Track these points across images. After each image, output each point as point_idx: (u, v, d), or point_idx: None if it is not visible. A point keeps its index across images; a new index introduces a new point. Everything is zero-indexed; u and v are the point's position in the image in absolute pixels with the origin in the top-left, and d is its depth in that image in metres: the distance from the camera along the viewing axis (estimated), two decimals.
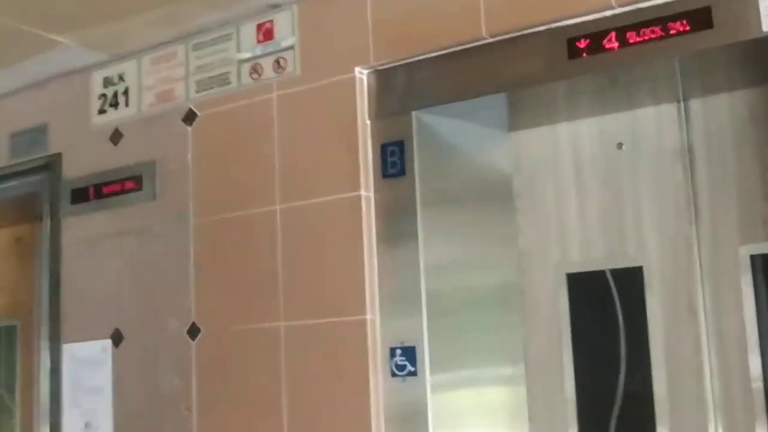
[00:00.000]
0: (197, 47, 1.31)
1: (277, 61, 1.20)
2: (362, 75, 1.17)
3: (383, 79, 1.17)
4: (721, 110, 1.15)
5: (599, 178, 1.19)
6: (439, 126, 1.17)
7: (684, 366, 1.16)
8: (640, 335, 1.18)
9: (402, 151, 1.15)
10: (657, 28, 0.98)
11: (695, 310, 1.15)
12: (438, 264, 1.16)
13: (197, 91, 1.30)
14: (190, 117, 1.32)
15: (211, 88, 1.28)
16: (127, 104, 1.38)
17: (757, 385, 1.12)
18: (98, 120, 1.44)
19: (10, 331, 2.00)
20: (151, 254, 1.34)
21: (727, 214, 1.14)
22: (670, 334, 1.17)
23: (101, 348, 1.33)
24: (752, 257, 1.13)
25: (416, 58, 1.14)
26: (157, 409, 1.30)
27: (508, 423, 1.21)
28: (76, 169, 1.46)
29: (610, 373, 1.19)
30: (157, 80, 1.35)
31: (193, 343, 1.25)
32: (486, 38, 1.07)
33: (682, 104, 1.16)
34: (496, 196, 1.21)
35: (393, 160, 1.16)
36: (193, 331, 1.25)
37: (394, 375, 1.15)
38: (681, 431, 1.16)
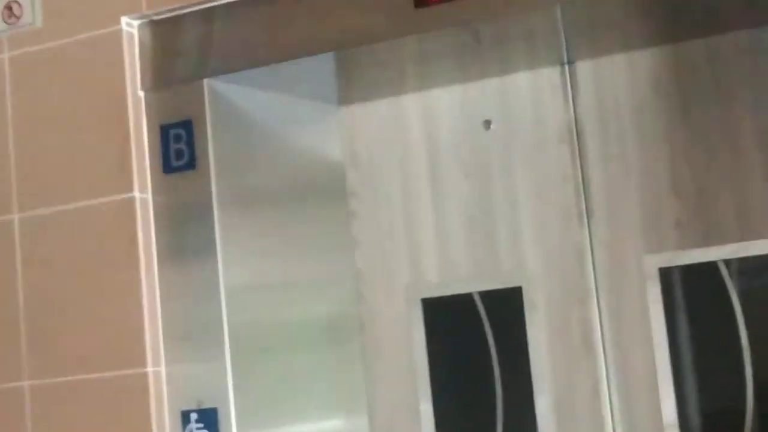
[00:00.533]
0: None
1: (8, 7, 0.84)
2: (132, 27, 0.84)
3: (163, 33, 0.84)
4: (617, 76, 0.89)
5: (462, 168, 0.88)
6: (243, 100, 0.85)
7: (578, 415, 0.90)
8: (520, 376, 0.89)
9: (190, 135, 0.83)
10: None
11: (590, 341, 0.89)
12: (245, 288, 0.85)
13: None
14: None
15: None
16: None
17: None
18: None
19: None
20: None
21: (629, 214, 0.89)
22: (560, 374, 0.89)
23: None
24: (661, 270, 0.88)
25: (209, 4, 0.83)
26: None
27: None
28: None
29: (482, 428, 0.90)
30: None
31: None
32: None
33: (567, 68, 0.89)
34: (323, 194, 0.89)
35: (178, 147, 0.83)
36: None
37: None
38: None
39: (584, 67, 0.88)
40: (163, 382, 0.83)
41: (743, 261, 0.83)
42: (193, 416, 0.84)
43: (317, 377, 0.89)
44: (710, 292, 0.87)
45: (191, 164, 0.83)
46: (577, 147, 0.87)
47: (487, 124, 0.88)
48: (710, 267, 0.85)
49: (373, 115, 0.92)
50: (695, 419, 0.88)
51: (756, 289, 0.85)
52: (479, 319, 0.88)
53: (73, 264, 0.85)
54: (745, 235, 0.83)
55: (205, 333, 0.84)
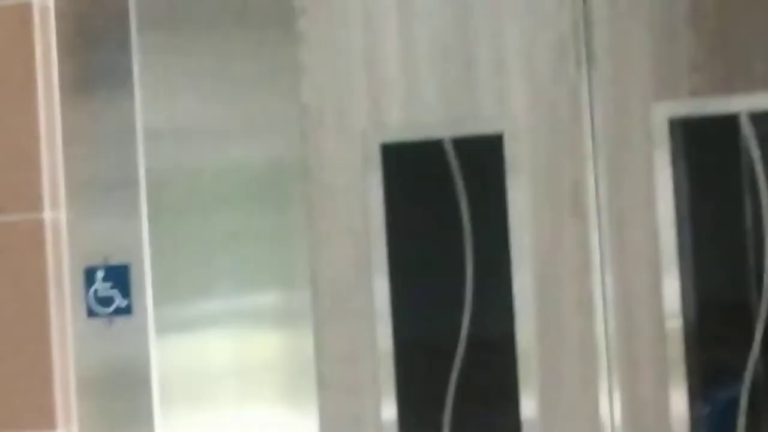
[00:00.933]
0: None
1: None
2: None
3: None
4: None
5: None
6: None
7: (564, 296, 0.76)
8: (496, 247, 0.75)
9: None
10: None
11: (583, 207, 0.75)
12: (168, 127, 0.70)
13: None
14: None
15: None
16: None
17: (673, 323, 0.74)
18: None
19: None
20: None
21: (636, 53, 0.74)
22: (543, 243, 0.75)
23: None
24: (671, 121, 0.73)
25: None
26: None
27: (282, 392, 0.76)
28: None
29: (449, 309, 0.76)
30: None
31: None
32: None
33: None
34: (264, 11, 0.72)
35: None
36: None
37: (92, 314, 0.70)
38: (557, 397, 0.75)
39: None
40: (63, 232, 0.69)
41: None
42: (100, 274, 0.70)
43: (250, 238, 0.75)
44: (730, 150, 0.73)
45: None
46: None
47: None
48: (731, 120, 0.72)
49: None
50: (703, 310, 0.74)
51: None
52: (450, 173, 0.72)
53: None
54: None
55: (119, 180, 0.70)
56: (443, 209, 0.75)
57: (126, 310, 0.70)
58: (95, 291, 0.70)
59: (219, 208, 0.75)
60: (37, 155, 0.70)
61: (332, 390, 0.74)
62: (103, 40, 0.71)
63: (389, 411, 0.76)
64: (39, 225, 0.69)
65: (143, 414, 0.71)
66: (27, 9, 0.69)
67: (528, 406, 0.76)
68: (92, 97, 0.71)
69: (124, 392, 0.71)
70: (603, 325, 0.73)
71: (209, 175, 0.75)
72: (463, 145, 0.74)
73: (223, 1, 0.75)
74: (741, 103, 0.71)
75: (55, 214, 0.70)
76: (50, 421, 0.68)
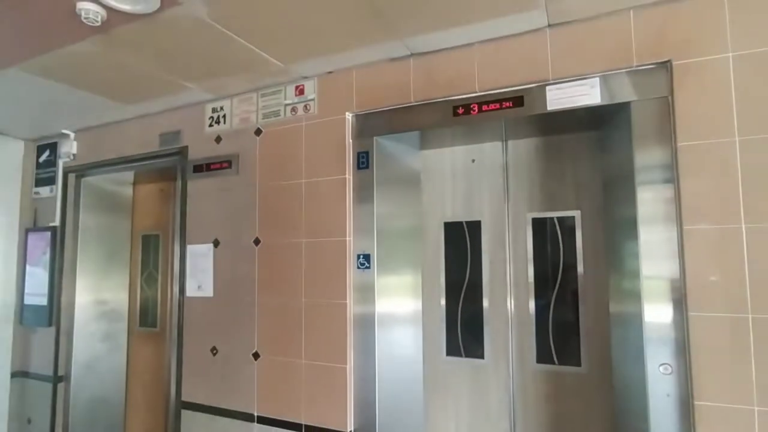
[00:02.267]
0: (263, 95, 2.48)
1: (305, 106, 2.36)
2: (350, 117, 2.31)
3: (360, 119, 2.31)
4: (521, 147, 2.27)
5: (461, 178, 2.34)
6: (387, 144, 2.31)
7: (497, 269, 2.30)
8: (477, 254, 2.34)
9: (367, 156, 2.29)
10: (496, 105, 2.07)
11: (504, 243, 2.29)
12: (381, 215, 2.30)
13: (263, 118, 2.47)
14: (258, 132, 2.49)
15: (270, 117, 2.45)
16: (224, 122, 2.56)
17: (531, 284, 2.25)
18: (208, 130, 2.62)
19: (156, 237, 3.42)
20: (235, 202, 2.53)
21: (521, 197, 2.28)
22: (492, 255, 2.32)
23: (207, 248, 2.54)
24: (533, 219, 2.27)
25: (376, 110, 2.28)
26: (233, 281, 2.50)
27: (412, 293, 2.40)
28: (195, 155, 2.65)
29: (461, 273, 2.37)
30: (241, 111, 2.53)
31: (256, 248, 2.44)
32: (411, 102, 2.19)
33: (504, 143, 2.30)
34: (411, 181, 2.37)
35: (363, 160, 2.30)
36: (257, 242, 2.44)
37: (359, 267, 2.31)
38: (494, 301, 2.31)
39: (511, 143, 2.32)
40: (352, 244, 2.36)
41: None
42: (361, 256, 2.35)
43: (405, 252, 2.40)
44: None
45: (367, 166, 2.33)
46: (506, 173, 2.32)
47: (473, 161, 2.33)
48: None
49: (432, 155, 2.42)
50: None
51: None
52: (464, 234, 2.37)
53: (323, 202, 2.38)
54: None
55: (367, 229, 2.35)
56: (461, 248, 2.36)
57: (368, 268, 2.32)
58: (360, 261, 2.34)
59: (395, 240, 2.40)
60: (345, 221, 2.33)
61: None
62: (365, 189, 2.35)
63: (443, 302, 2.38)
64: (345, 242, 2.32)
65: None
66: (344, 180, 2.34)
67: (484, 305, 2.34)
68: (361, 205, 2.36)
69: (364, 293, 2.37)
70: (509, 279, 2.30)
71: (394, 230, 2.38)
72: (469, 224, 2.36)
73: (397, 176, 2.40)
74: None
75: (350, 238, 2.33)
76: None
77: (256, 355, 2.39)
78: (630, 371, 1.80)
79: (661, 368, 1.66)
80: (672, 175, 1.67)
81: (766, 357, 1.51)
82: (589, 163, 2.13)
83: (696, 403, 1.58)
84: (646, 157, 1.73)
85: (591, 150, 2.13)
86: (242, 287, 2.46)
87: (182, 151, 2.65)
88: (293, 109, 2.39)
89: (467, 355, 2.33)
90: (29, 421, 3.34)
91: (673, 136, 1.67)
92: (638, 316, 1.72)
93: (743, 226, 1.55)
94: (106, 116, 2.89)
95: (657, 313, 1.68)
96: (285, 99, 2.42)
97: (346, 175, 2.26)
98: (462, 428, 2.31)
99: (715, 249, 1.58)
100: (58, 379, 3.19)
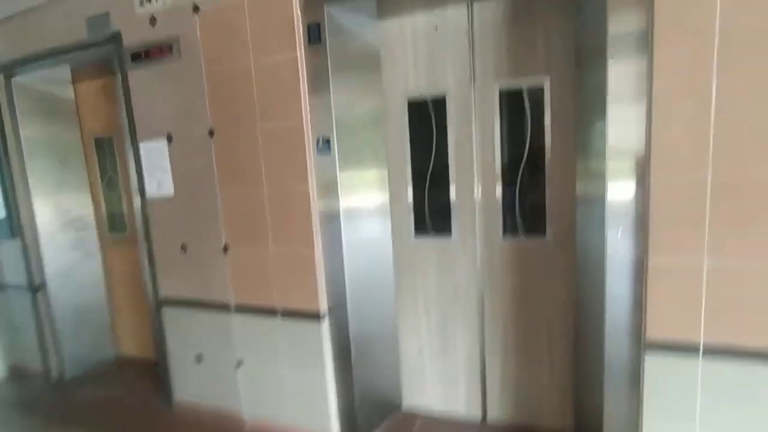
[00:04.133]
0: None
1: None
2: None
3: None
4: (488, 10, 2.08)
5: (424, 49, 2.17)
6: (340, 14, 2.08)
7: (463, 151, 2.22)
8: (443, 135, 2.25)
9: (319, 28, 2.05)
10: None
11: (470, 121, 2.19)
12: (339, 100, 2.11)
13: None
14: (196, 9, 2.22)
15: None
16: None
17: (498, 164, 2.19)
18: (140, 10, 2.32)
19: (109, 141, 3.30)
20: (183, 92, 2.33)
21: (489, 66, 2.13)
22: (459, 134, 2.23)
23: (161, 145, 2.40)
24: (500, 90, 2.15)
25: None
26: (193, 177, 2.40)
27: (379, 188, 2.34)
28: (131, 41, 2.38)
29: (426, 160, 2.30)
30: None
31: (212, 140, 2.31)
32: None
33: (469, 5, 2.09)
34: (370, 57, 2.19)
35: (314, 33, 2.05)
36: (211, 133, 2.30)
37: (319, 153, 2.19)
38: (462, 187, 2.26)
39: (477, 5, 2.10)
40: (310, 128, 2.24)
41: None
42: (320, 139, 2.25)
43: (368, 142, 2.28)
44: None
45: (318, 41, 2.13)
46: (471, 38, 2.14)
47: (436, 27, 2.13)
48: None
49: (391, 25, 2.19)
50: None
51: None
52: (429, 113, 2.26)
53: (272, 86, 2.20)
54: None
55: (326, 116, 2.21)
56: (427, 128, 2.25)
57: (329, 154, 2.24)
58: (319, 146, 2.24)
59: (357, 130, 2.28)
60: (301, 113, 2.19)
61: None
62: (321, 74, 2.17)
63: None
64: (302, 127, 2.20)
65: None
66: (295, 59, 2.15)
67: (451, 190, 2.30)
68: (316, 94, 2.19)
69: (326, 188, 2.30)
70: (475, 165, 2.23)
71: (354, 119, 2.24)
72: (433, 100, 2.23)
73: (352, 57, 2.19)
74: None
75: (307, 121, 2.21)
76: None
77: (225, 248, 2.38)
78: (591, 238, 1.83)
79: (619, 232, 1.67)
80: (647, 44, 1.53)
81: (719, 219, 1.52)
82: (561, 28, 1.96)
83: (650, 263, 1.61)
84: (621, 25, 1.57)
85: (563, 14, 1.95)
86: (202, 182, 2.37)
87: (115, 38, 2.37)
88: None
89: (435, 234, 2.35)
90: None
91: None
92: (600, 193, 1.70)
93: (713, 86, 1.46)
94: (21, 0, 2.54)
95: (620, 188, 1.65)
96: None
97: (297, 53, 2.06)
98: (431, 303, 2.40)
99: (683, 113, 1.51)
100: (35, 288, 3.19)
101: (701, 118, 1.49)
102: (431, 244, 2.36)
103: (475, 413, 2.41)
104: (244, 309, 2.40)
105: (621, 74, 1.59)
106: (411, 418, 2.49)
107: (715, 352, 1.56)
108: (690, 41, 1.47)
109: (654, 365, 1.65)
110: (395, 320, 2.48)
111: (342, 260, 2.16)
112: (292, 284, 2.24)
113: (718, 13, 1.43)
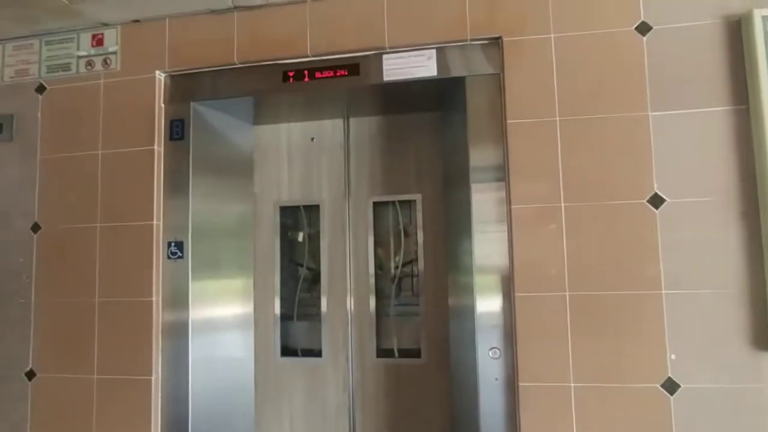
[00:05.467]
0: (48, 43, 1.95)
1: (105, 60, 1.90)
2: (161, 76, 1.92)
3: (174, 80, 1.93)
4: (363, 126, 2.14)
5: (301, 157, 2.12)
6: (208, 113, 1.98)
7: (336, 261, 2.12)
8: (316, 242, 2.13)
9: (183, 124, 1.91)
10: (330, 72, 1.83)
11: (345, 230, 2.12)
12: (199, 206, 1.91)
13: (47, 72, 1.95)
14: (41, 89, 1.95)
15: (57, 71, 1.94)
16: None
17: (371, 276, 2.09)
18: None
19: None
20: (6, 177, 1.94)
21: (363, 181, 2.12)
22: (333, 243, 2.13)
23: None
24: (374, 203, 2.14)
25: (193, 70, 1.92)
26: (4, 280, 1.93)
27: (241, 298, 2.09)
28: None
29: (296, 269, 2.14)
30: (16, 60, 1.96)
31: (35, 236, 1.91)
32: (236, 63, 1.86)
33: (345, 120, 2.13)
34: (241, 161, 2.08)
35: (177, 129, 1.90)
36: (35, 228, 1.90)
37: (169, 257, 1.90)
38: (334, 296, 2.11)
39: (353, 121, 2.16)
40: (161, 230, 1.96)
41: None
42: (173, 244, 1.97)
43: (231, 250, 2.07)
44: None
45: (181, 137, 1.96)
46: (346, 154, 2.15)
47: (312, 139, 2.12)
48: None
49: (267, 131, 2.13)
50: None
51: None
52: (302, 219, 2.14)
53: (122, 185, 1.93)
54: None
55: (182, 224, 1.98)
56: (298, 233, 2.13)
57: (182, 258, 1.96)
58: (171, 250, 1.96)
59: (219, 238, 2.06)
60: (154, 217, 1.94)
61: None
62: (180, 171, 1.98)
63: None
64: (151, 228, 1.93)
65: None
66: (152, 152, 1.94)
67: (323, 301, 2.14)
68: (173, 195, 1.97)
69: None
70: (348, 273, 2.13)
71: (216, 226, 2.04)
72: (306, 208, 2.14)
73: (222, 159, 2.06)
74: None
75: (158, 222, 1.94)
76: None
77: (30, 374, 1.86)
78: (464, 358, 1.76)
79: (490, 353, 1.63)
80: (503, 164, 1.66)
81: (580, 335, 1.55)
82: (430, 150, 2.06)
83: (520, 384, 1.56)
84: (480, 158, 1.69)
85: (432, 137, 2.06)
86: (12, 286, 1.90)
87: None
88: (89, 63, 1.92)
89: (304, 353, 2.11)
90: None
91: (503, 114, 1.65)
92: (471, 308, 1.69)
93: (562, 204, 1.58)
94: None
95: (488, 303, 1.66)
96: (78, 50, 1.93)
97: (155, 147, 1.87)
98: (298, 430, 2.07)
99: (536, 227, 1.59)
100: None
101: (555, 239, 1.59)
102: (299, 363, 2.10)
103: None
104: None
105: (483, 199, 1.67)
106: None
107: None
108: (539, 176, 1.61)
109: None
110: None
111: (187, 387, 1.79)
112: (118, 420, 1.77)
113: (559, 156, 1.60)
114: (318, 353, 2.08)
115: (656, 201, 1.54)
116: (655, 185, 1.54)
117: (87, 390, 1.81)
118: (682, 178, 1.53)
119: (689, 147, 1.54)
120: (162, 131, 1.90)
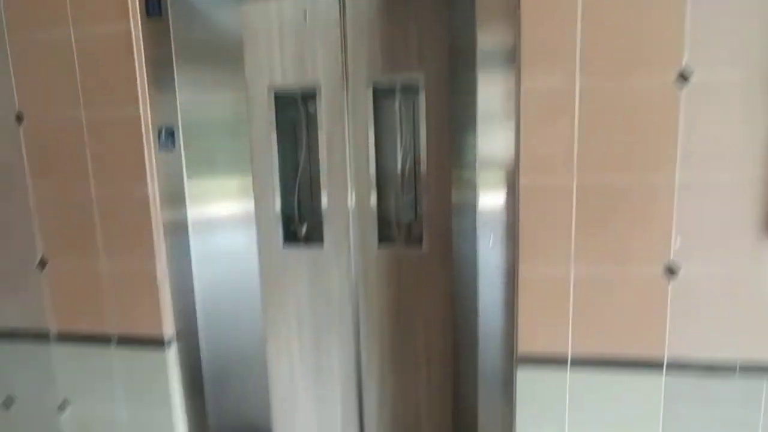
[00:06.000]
0: None
1: None
2: None
3: None
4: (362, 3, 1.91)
5: (293, 35, 1.93)
6: None
7: (330, 157, 2.02)
8: (314, 133, 2.04)
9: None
10: None
11: (343, 120, 1.98)
12: (186, 97, 1.79)
13: None
14: None
15: None
16: None
17: (372, 169, 2.01)
18: None
19: None
20: None
21: (361, 60, 1.94)
22: (330, 130, 2.03)
23: None
24: (374, 89, 1.97)
25: None
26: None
27: (241, 195, 2.04)
28: None
29: (295, 164, 2.07)
30: None
31: (20, 127, 1.82)
32: None
33: None
34: (229, 45, 1.90)
35: (153, 3, 1.69)
36: (19, 118, 1.82)
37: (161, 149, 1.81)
38: (334, 193, 2.04)
39: None
40: (149, 117, 1.85)
41: None
42: (164, 129, 1.87)
43: (226, 145, 1.97)
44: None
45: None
46: (343, 30, 1.95)
47: (305, 14, 1.90)
48: None
49: (256, 8, 1.91)
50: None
51: None
52: (298, 105, 2.02)
53: (102, 70, 1.79)
54: None
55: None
56: (296, 124, 2.01)
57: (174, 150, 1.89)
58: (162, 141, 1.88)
59: (211, 135, 1.94)
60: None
61: None
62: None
63: None
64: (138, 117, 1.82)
65: None
66: (129, 32, 1.76)
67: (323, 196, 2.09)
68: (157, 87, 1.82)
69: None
70: (349, 169, 2.05)
71: (208, 121, 1.91)
72: (303, 93, 2.00)
73: (208, 42, 1.87)
74: None
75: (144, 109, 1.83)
76: None
77: (42, 262, 1.90)
78: (467, 249, 1.76)
79: (491, 243, 1.62)
80: (514, 46, 1.50)
81: (584, 227, 1.52)
82: (435, 28, 1.85)
83: (521, 272, 1.58)
84: (489, 40, 1.53)
85: (437, 14, 1.83)
86: (6, 179, 1.87)
87: None
88: None
89: (306, 244, 2.13)
90: None
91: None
92: (473, 203, 1.66)
93: (577, 84, 1.46)
94: None
95: (492, 197, 1.63)
96: None
97: (132, 25, 1.68)
98: (304, 318, 2.17)
99: (548, 115, 1.49)
100: None
101: (566, 128, 1.49)
102: (302, 254, 2.12)
103: None
104: (68, 337, 1.94)
105: (490, 85, 1.56)
106: None
107: (581, 362, 1.58)
108: (554, 60, 1.47)
109: (526, 378, 1.62)
110: (263, 340, 2.20)
111: (191, 276, 1.83)
112: (130, 305, 1.85)
113: (578, 35, 1.44)
114: (320, 242, 2.10)
115: (682, 78, 1.40)
116: (684, 59, 1.39)
117: (97, 275, 1.86)
118: (715, 50, 1.38)
119: (724, 14, 1.37)
120: (137, 5, 1.70)
